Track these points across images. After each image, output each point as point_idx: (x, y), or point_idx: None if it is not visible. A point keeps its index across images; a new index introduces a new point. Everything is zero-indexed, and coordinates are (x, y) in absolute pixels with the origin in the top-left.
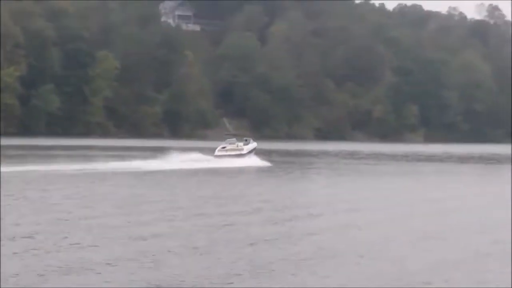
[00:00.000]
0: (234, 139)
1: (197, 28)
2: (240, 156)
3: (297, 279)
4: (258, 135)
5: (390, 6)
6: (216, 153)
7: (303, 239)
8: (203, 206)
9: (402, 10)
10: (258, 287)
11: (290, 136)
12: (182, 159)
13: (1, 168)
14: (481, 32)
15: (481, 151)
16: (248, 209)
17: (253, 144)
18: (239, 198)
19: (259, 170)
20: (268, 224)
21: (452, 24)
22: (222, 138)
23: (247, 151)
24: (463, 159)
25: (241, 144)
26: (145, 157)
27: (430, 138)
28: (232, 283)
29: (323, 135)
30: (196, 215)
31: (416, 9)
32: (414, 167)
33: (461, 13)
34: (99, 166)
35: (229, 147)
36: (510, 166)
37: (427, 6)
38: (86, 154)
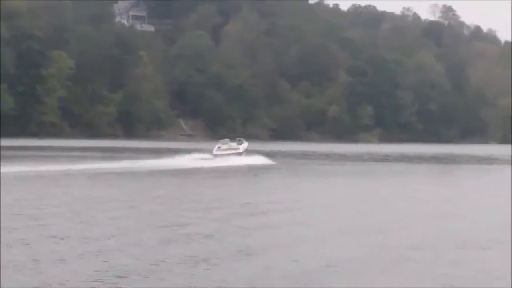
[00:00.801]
0: (227, 139)
1: (151, 28)
2: (238, 154)
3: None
4: (213, 135)
5: (344, 6)
6: (215, 152)
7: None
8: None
9: (356, 11)
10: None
11: (245, 136)
12: (190, 158)
13: None
14: (435, 33)
15: (434, 151)
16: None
17: (246, 144)
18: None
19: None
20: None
21: (406, 24)
22: (177, 139)
23: (243, 150)
24: (416, 159)
25: (234, 144)
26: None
27: (385, 138)
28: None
29: (277, 135)
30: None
31: (370, 9)
32: (369, 167)
33: (415, 13)
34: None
35: (223, 146)
36: (463, 166)
37: (381, 7)
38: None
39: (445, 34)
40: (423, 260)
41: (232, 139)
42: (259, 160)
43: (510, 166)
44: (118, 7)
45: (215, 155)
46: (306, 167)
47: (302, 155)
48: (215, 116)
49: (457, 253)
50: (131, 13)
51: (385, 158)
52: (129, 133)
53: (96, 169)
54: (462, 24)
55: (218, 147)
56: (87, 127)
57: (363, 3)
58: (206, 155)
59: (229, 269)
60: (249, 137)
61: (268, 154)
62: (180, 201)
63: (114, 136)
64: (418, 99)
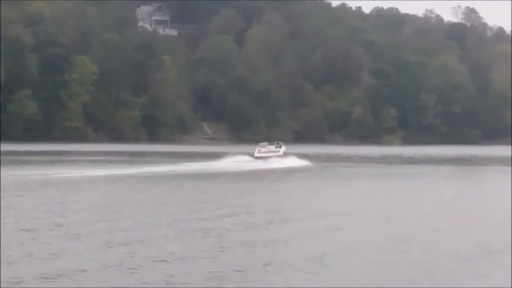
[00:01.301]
0: (266, 143)
1: (174, 32)
2: (279, 157)
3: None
4: (237, 139)
5: (367, 9)
6: (256, 154)
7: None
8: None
9: (379, 13)
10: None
11: (269, 139)
12: (237, 160)
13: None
14: (458, 35)
15: (459, 152)
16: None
17: (284, 147)
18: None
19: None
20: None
21: (429, 26)
22: (200, 142)
23: (283, 152)
24: (441, 161)
25: (272, 147)
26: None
27: (408, 140)
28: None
29: (301, 137)
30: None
31: (393, 12)
32: (393, 170)
33: (437, 15)
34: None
35: (263, 149)
36: (488, 167)
37: (404, 9)
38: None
39: (468, 36)
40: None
41: (270, 142)
42: (299, 162)
43: None
44: (141, 11)
45: (257, 158)
46: (344, 169)
47: (335, 157)
48: (239, 119)
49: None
50: (153, 18)
51: (413, 160)
52: (153, 137)
53: (155, 172)
54: (485, 25)
55: (259, 150)
56: (111, 132)
57: (385, 6)
58: (248, 157)
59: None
60: (273, 140)
61: (300, 156)
62: (249, 204)
63: (138, 140)
64: (442, 101)
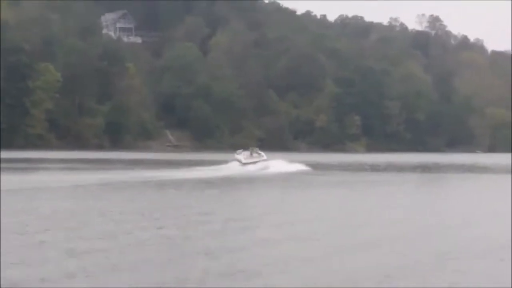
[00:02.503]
0: (241, 150)
1: (138, 40)
2: (264, 161)
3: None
4: (201, 146)
5: (332, 17)
6: (244, 161)
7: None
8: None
9: (343, 21)
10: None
11: (233, 147)
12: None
13: None
14: (422, 43)
15: (423, 160)
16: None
17: (262, 153)
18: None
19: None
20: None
21: (393, 35)
22: (164, 149)
23: (266, 157)
24: (405, 169)
25: (247, 153)
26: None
27: (372, 148)
28: None
29: (265, 145)
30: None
31: (357, 20)
32: (357, 177)
33: (402, 24)
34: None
35: (245, 154)
36: (452, 174)
37: (369, 17)
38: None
39: (432, 44)
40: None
41: (246, 149)
42: (299, 167)
43: (499, 174)
44: (105, 19)
45: (245, 164)
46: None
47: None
48: (203, 127)
49: None
50: (118, 25)
51: (378, 168)
52: (116, 144)
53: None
54: (449, 33)
55: (243, 156)
56: (74, 139)
57: (350, 14)
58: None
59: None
60: (237, 147)
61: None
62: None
63: (101, 147)
64: (406, 109)
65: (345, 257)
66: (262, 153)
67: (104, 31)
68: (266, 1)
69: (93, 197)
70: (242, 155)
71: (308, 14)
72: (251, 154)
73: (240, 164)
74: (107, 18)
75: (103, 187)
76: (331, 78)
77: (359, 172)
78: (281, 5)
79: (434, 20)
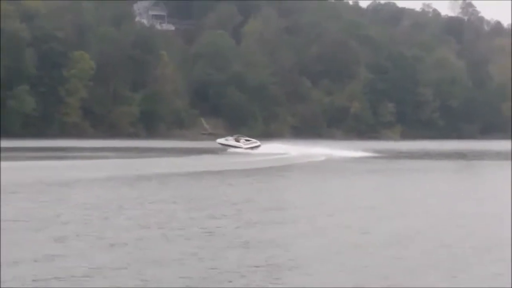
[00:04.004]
0: (229, 136)
1: (171, 27)
2: (258, 147)
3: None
4: (235, 134)
5: (364, 3)
6: (244, 146)
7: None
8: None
9: (376, 8)
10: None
11: (267, 134)
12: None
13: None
14: (455, 29)
15: (457, 147)
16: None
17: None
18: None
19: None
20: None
21: (426, 21)
22: (199, 138)
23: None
24: (439, 156)
25: (231, 139)
26: None
27: (406, 135)
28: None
29: (299, 132)
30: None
31: (390, 6)
32: (392, 165)
33: (435, 10)
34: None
35: (241, 140)
36: (487, 162)
37: (401, 3)
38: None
39: (465, 30)
40: None
41: (229, 136)
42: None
43: None
44: (138, 7)
45: (246, 149)
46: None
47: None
48: (236, 114)
49: None
50: (151, 13)
51: (414, 155)
52: (151, 133)
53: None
54: (482, 19)
55: (245, 142)
56: (109, 127)
57: (382, 0)
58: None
59: None
60: (271, 135)
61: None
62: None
63: (136, 135)
64: (439, 96)
65: (400, 248)
66: (250, 138)
67: (137, 18)
68: None
69: (128, 187)
70: (237, 142)
71: (340, 0)
72: (237, 140)
73: (242, 150)
74: (140, 5)
75: (135, 179)
76: (364, 65)
77: (395, 159)
78: None
79: (467, 6)
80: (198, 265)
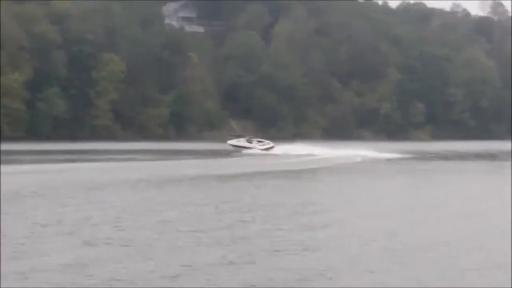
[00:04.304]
0: (241, 137)
1: (200, 29)
2: (272, 148)
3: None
4: (265, 135)
5: (394, 4)
6: (259, 148)
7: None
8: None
9: (405, 8)
10: None
11: (297, 136)
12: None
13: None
14: (485, 29)
15: (487, 147)
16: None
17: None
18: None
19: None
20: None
21: (455, 20)
22: (229, 139)
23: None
24: (470, 157)
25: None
26: None
27: (437, 136)
28: None
29: (328, 134)
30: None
31: (419, 6)
32: (423, 166)
33: (464, 9)
34: None
35: (253, 141)
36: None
37: (431, 4)
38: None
39: (495, 30)
40: None
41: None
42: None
43: None
44: (167, 8)
45: (262, 151)
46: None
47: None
48: (266, 116)
49: None
50: (180, 15)
51: (448, 156)
52: (181, 135)
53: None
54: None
55: (257, 143)
56: (139, 129)
57: (412, 1)
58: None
59: None
60: (301, 137)
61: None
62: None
63: (166, 137)
64: (469, 96)
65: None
66: (262, 140)
67: (166, 20)
68: None
69: (158, 189)
70: (250, 143)
71: (369, 1)
72: (249, 141)
73: (258, 152)
74: (169, 7)
75: (165, 181)
76: (393, 65)
77: (427, 160)
78: None
79: (497, 6)
80: (229, 268)
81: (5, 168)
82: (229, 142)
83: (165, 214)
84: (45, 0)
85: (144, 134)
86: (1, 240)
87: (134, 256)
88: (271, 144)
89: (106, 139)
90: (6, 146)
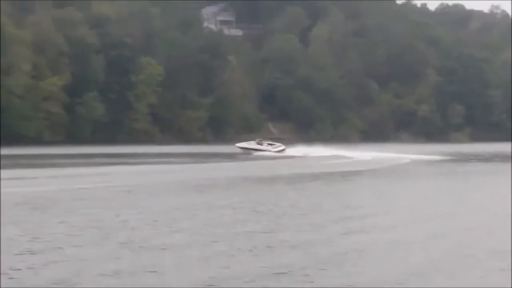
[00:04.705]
0: (260, 140)
1: (239, 32)
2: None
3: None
4: (303, 138)
5: (432, 6)
6: (273, 150)
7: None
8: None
9: (444, 10)
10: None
11: (335, 138)
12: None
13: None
14: None
15: None
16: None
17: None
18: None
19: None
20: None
21: (494, 22)
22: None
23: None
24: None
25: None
26: None
27: (476, 137)
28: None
29: (367, 136)
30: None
31: (458, 8)
32: (463, 168)
33: (503, 11)
34: None
35: (264, 144)
36: None
37: (469, 5)
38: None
39: None
40: None
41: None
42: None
43: None
44: (205, 12)
45: (275, 152)
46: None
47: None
48: (304, 118)
49: None
50: (219, 18)
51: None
52: (219, 138)
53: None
54: None
55: (271, 146)
56: (177, 133)
57: (450, 2)
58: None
59: None
60: (339, 139)
61: None
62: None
63: (204, 141)
64: (508, 98)
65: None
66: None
67: (205, 24)
68: None
69: (196, 192)
70: (260, 145)
71: (408, 2)
72: (259, 143)
73: (272, 153)
74: (208, 11)
75: (203, 184)
76: (432, 67)
77: (466, 162)
78: None
79: None
80: (266, 274)
81: (46, 172)
82: (238, 144)
83: (203, 217)
84: (84, 1)
85: (182, 137)
86: (39, 244)
87: (172, 259)
88: (282, 147)
89: (145, 142)
90: (46, 150)
